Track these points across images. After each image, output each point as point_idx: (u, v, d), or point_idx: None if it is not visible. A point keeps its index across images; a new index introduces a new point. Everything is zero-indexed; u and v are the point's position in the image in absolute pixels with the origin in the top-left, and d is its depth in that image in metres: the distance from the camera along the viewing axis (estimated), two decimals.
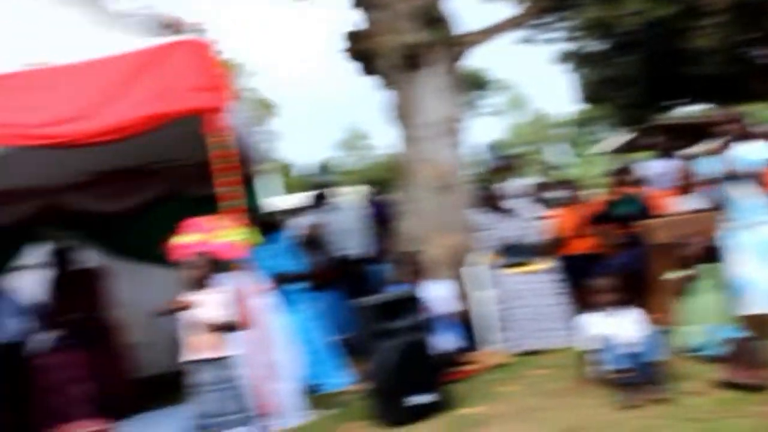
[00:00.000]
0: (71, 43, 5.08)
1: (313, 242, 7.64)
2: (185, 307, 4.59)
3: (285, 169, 28.38)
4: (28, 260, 7.99)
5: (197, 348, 4.56)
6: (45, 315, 6.91)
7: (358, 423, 5.06)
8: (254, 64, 50.05)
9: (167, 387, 6.94)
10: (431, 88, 7.37)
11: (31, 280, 7.37)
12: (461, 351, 6.27)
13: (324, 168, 10.82)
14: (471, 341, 6.50)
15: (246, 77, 29.96)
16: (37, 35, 5.09)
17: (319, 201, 8.69)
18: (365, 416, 5.07)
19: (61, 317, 6.82)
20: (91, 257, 7.75)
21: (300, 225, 8.05)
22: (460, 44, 7.61)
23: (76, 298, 6.90)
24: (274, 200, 8.63)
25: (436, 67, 7.38)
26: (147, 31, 5.42)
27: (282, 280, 6.05)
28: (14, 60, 4.94)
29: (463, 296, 6.63)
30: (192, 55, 4.90)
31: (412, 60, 7.28)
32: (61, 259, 7.16)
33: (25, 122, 4.82)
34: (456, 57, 7.60)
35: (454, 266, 6.88)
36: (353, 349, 6.37)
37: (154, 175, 7.62)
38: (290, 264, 6.45)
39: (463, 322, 6.52)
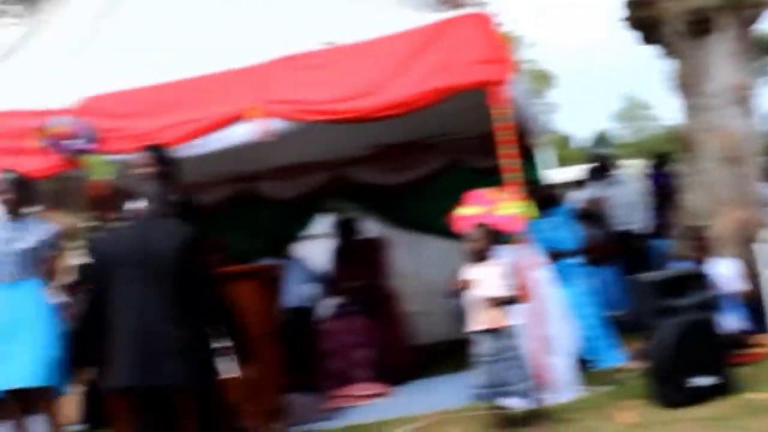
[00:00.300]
0: (358, 21, 5.28)
1: (591, 216, 7.45)
2: (468, 285, 4.63)
3: (562, 141, 27.97)
4: (316, 230, 8.53)
5: (478, 320, 4.60)
6: (330, 282, 7.32)
7: (634, 402, 4.85)
8: (533, 35, 49.52)
9: (443, 355, 7.15)
10: (720, 55, 6.89)
11: (319, 249, 7.82)
12: (748, 333, 5.86)
13: (601, 140, 10.55)
14: (759, 323, 6.05)
15: (525, 49, 29.74)
16: (330, 15, 5.34)
17: (598, 174, 8.46)
18: (641, 395, 4.87)
19: (344, 285, 7.14)
20: (372, 228, 8.08)
21: (578, 198, 7.90)
22: (753, 6, 7.06)
23: (358, 267, 7.15)
24: (552, 173, 8.52)
25: (726, 32, 6.89)
26: (428, 7, 5.54)
27: (558, 254, 5.96)
28: (309, 40, 5.21)
29: (752, 275, 6.18)
30: (475, 28, 4.90)
31: (699, 25, 6.86)
32: (345, 229, 7.46)
33: (314, 99, 5.09)
34: (748, 21, 7.06)
35: (742, 243, 6.42)
36: (625, 327, 6.17)
37: (434, 149, 7.81)
38: (567, 238, 6.34)
39: (751, 303, 6.08)
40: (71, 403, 6.32)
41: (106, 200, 6.77)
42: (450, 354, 6.87)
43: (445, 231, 5.11)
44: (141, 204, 4.12)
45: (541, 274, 5.20)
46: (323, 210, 8.51)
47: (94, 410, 6.19)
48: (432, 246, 8.06)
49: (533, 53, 31.97)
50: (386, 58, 5.02)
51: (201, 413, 3.92)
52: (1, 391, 4.80)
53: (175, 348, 3.68)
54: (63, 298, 5.34)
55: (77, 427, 6.19)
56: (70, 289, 7.39)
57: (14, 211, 4.95)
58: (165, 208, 4.20)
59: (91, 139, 5.28)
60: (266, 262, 6.78)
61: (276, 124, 5.06)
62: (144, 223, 4.02)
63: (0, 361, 4.75)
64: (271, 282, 5.59)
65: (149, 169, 4.67)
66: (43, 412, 4.89)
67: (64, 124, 5.27)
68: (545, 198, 6.18)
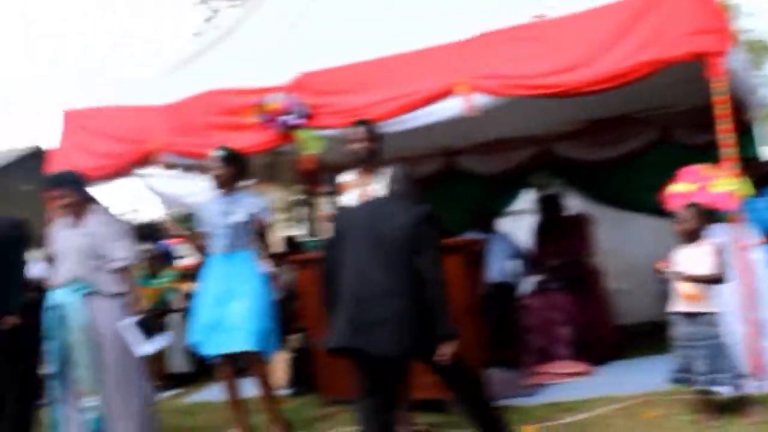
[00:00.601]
0: None
1: None
2: (674, 265, 4.50)
3: None
4: (522, 205, 8.52)
5: (682, 301, 4.46)
6: (532, 258, 7.30)
7: None
8: (751, 3, 46.33)
9: (648, 336, 6.97)
10: None
11: (523, 224, 7.81)
12: None
13: None
14: None
15: (743, 18, 27.95)
16: None
17: None
18: None
19: (546, 261, 7.10)
20: (576, 204, 7.97)
21: None
22: None
23: (561, 244, 7.08)
24: None
25: None
26: None
27: None
28: (518, 13, 5.19)
29: None
30: None
31: None
32: (548, 205, 7.40)
33: (522, 73, 5.07)
34: None
35: None
36: None
37: (643, 123, 7.55)
38: None
39: None
40: (280, 367, 6.74)
41: (315, 174, 7.12)
42: (656, 335, 6.68)
43: (653, 208, 4.97)
44: (381, 182, 4.33)
45: (756, 255, 4.94)
46: (528, 185, 8.49)
47: (300, 375, 6.58)
48: (638, 223, 7.85)
49: (751, 23, 29.96)
50: (597, 30, 4.91)
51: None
52: (217, 354, 5.16)
53: (395, 318, 3.84)
54: (272, 268, 5.63)
55: (284, 391, 6.55)
56: (278, 259, 7.85)
57: (226, 186, 5.21)
58: (403, 186, 4.35)
59: (303, 115, 5.53)
60: (471, 236, 6.84)
61: (482, 99, 5.09)
62: (383, 200, 4.23)
63: (216, 326, 5.06)
64: (475, 256, 5.63)
65: (363, 144, 4.82)
66: (254, 376, 5.15)
67: (278, 101, 5.54)
68: (762, 175, 5.84)
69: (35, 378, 5.56)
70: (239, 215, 5.12)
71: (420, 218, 3.96)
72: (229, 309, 5.04)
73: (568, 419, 4.83)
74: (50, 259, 5.28)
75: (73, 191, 5.17)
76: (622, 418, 4.75)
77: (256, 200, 5.28)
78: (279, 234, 11.91)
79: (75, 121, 6.49)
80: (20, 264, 5.53)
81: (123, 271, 5.07)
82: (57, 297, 5.04)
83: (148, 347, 5.00)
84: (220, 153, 5.22)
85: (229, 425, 5.35)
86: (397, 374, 4.09)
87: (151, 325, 5.09)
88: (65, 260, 5.08)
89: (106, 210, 5.30)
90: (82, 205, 5.20)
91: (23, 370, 5.52)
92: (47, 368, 5.13)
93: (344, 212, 4.42)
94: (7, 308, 5.34)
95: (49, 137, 6.59)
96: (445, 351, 3.88)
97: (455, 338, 3.89)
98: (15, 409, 5.45)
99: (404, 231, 3.91)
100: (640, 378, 5.57)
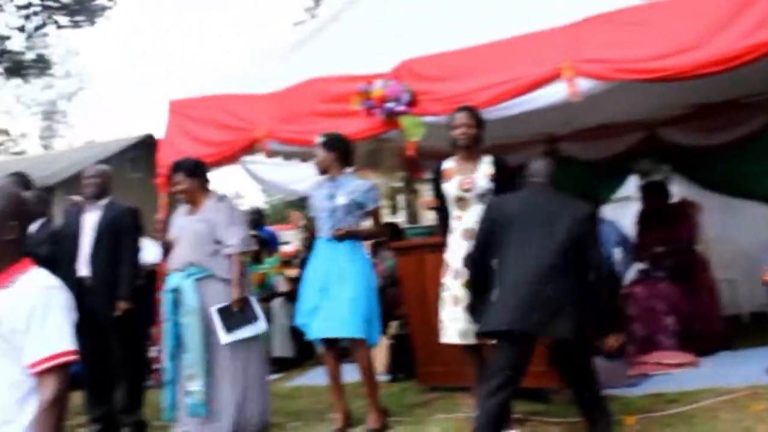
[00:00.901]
0: None
1: None
2: None
3: None
4: (626, 192, 8.38)
5: None
6: (636, 247, 7.17)
7: None
8: None
9: (756, 327, 6.78)
10: None
11: (628, 211, 7.67)
12: None
13: None
14: None
15: None
16: None
17: None
18: None
19: (650, 249, 6.96)
20: (683, 191, 7.80)
21: None
22: None
23: (666, 232, 6.93)
24: None
25: None
26: None
27: None
28: None
29: None
30: None
31: None
32: (653, 192, 7.25)
33: (628, 57, 4.93)
34: None
35: None
36: None
37: (755, 108, 7.29)
38: None
39: None
40: (379, 354, 6.83)
41: (418, 161, 7.15)
42: (765, 326, 6.50)
43: (762, 195, 4.82)
44: (538, 173, 4.46)
45: None
46: (633, 171, 8.34)
47: (399, 362, 6.65)
48: (746, 210, 7.63)
49: None
50: (709, 11, 4.71)
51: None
52: (320, 339, 5.27)
53: (572, 304, 3.98)
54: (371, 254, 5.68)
55: (383, 377, 6.63)
56: (376, 246, 7.92)
57: (330, 171, 5.29)
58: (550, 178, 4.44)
59: (406, 102, 5.57)
60: None
61: (587, 84, 5.02)
62: (541, 191, 4.39)
63: (319, 311, 5.14)
64: None
65: (465, 130, 4.82)
66: (356, 361, 5.21)
67: (382, 88, 5.59)
68: None
69: (145, 360, 5.79)
70: (341, 199, 5.18)
71: (587, 214, 4.22)
72: (332, 294, 5.10)
73: (672, 411, 4.74)
74: (167, 245, 5.49)
75: (190, 178, 5.37)
76: (728, 410, 4.63)
77: (360, 183, 5.33)
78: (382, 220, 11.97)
79: (180, 110, 6.69)
80: (134, 251, 5.76)
81: (236, 256, 5.23)
82: (172, 281, 5.24)
83: (227, 337, 5.14)
84: (321, 139, 5.32)
85: (330, 410, 5.45)
86: (567, 356, 4.28)
87: (238, 314, 5.21)
88: (180, 245, 5.27)
89: (222, 197, 5.48)
90: (198, 191, 5.40)
91: (134, 352, 5.76)
92: (160, 351, 5.35)
93: (501, 201, 4.48)
94: (121, 294, 5.58)
95: (160, 127, 6.78)
96: (612, 342, 3.99)
97: (622, 331, 3.98)
98: (126, 391, 5.70)
99: (574, 225, 4.11)
100: (747, 370, 5.45)
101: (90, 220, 5.73)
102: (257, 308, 5.39)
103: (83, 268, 5.65)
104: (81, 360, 5.71)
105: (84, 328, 5.66)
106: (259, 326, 5.33)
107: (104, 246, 5.63)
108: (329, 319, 5.07)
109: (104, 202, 5.80)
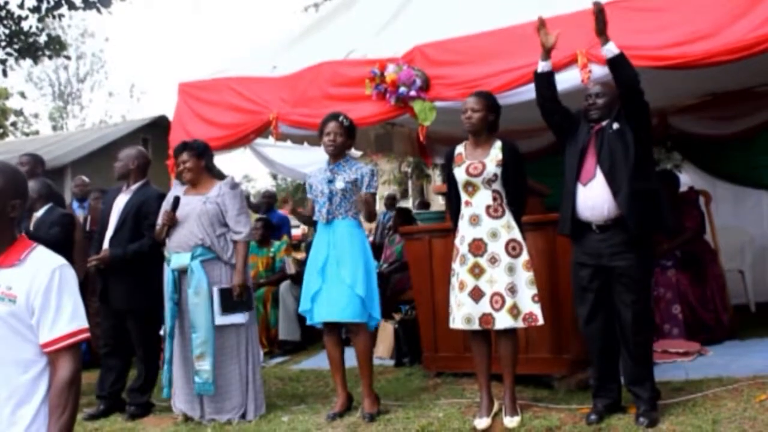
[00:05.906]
0: None
1: None
2: None
3: None
4: None
5: None
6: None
7: None
8: None
9: (763, 317, 6.77)
10: None
11: None
12: None
13: None
14: None
15: None
16: None
17: None
18: None
19: (659, 239, 6.96)
20: (693, 180, 7.78)
21: None
22: None
23: (676, 221, 6.94)
24: None
25: None
26: None
27: None
28: None
29: None
30: None
31: None
32: (663, 179, 7.18)
33: (643, 44, 4.90)
34: None
35: None
36: None
37: (765, 98, 7.27)
38: None
39: None
40: (386, 338, 6.85)
41: (429, 146, 7.14)
42: None
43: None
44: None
45: None
46: None
47: (406, 347, 6.67)
48: (757, 200, 7.61)
49: None
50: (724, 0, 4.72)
51: None
52: (320, 323, 5.24)
53: None
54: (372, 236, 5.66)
55: (390, 361, 6.68)
56: (389, 230, 7.91)
57: (334, 154, 5.24)
58: None
59: (420, 86, 5.55)
60: None
61: (600, 71, 4.99)
62: None
63: (319, 295, 5.12)
64: None
65: (478, 115, 4.80)
66: (354, 345, 5.20)
67: (395, 72, 5.58)
68: None
69: (158, 339, 5.83)
70: (340, 183, 5.15)
71: None
72: (331, 276, 5.08)
73: (678, 399, 4.75)
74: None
75: (197, 158, 5.39)
76: (733, 400, 4.63)
77: (358, 167, 5.27)
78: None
79: (189, 92, 6.69)
80: (152, 236, 5.71)
81: (242, 244, 5.31)
82: (176, 261, 5.27)
83: (221, 318, 5.19)
84: (346, 122, 5.26)
85: (334, 393, 5.47)
86: None
87: (237, 299, 5.25)
88: (186, 225, 5.29)
89: (235, 183, 5.49)
90: (202, 173, 5.42)
91: (150, 335, 5.79)
92: (164, 329, 5.39)
93: None
94: (115, 252, 5.59)
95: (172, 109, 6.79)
96: None
97: None
98: (141, 372, 5.74)
99: None
100: (753, 360, 5.47)
101: (120, 203, 5.76)
102: (253, 298, 5.47)
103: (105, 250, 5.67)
104: (102, 340, 5.78)
105: (104, 310, 5.77)
106: (250, 316, 5.40)
107: (127, 229, 5.63)
108: (329, 304, 5.06)
109: (136, 185, 5.80)
